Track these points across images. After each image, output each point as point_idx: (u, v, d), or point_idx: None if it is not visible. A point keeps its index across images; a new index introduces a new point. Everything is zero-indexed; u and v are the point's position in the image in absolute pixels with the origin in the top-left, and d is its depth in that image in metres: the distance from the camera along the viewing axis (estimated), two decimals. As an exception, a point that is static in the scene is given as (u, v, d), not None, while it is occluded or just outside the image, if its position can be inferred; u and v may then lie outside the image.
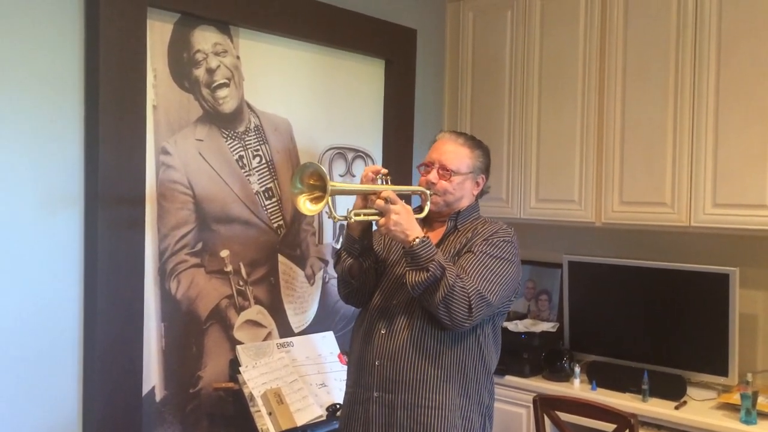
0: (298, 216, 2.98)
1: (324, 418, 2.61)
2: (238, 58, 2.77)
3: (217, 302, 2.73)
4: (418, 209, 2.23)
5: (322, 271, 3.12)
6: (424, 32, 3.56)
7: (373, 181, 2.10)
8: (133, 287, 2.43)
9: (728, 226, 2.78)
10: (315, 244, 3.09)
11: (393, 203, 1.98)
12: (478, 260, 2.06)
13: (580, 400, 2.71)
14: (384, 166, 3.32)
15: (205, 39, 2.67)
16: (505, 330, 3.16)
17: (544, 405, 2.71)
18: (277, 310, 2.94)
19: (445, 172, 2.19)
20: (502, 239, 2.13)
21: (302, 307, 3.04)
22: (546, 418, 2.71)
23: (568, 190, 3.23)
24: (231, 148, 2.77)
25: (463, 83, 3.63)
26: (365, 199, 2.08)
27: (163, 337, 2.57)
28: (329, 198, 1.90)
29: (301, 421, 2.53)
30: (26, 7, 2.21)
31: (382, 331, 2.13)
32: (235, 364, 2.68)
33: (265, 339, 2.87)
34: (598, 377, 3.06)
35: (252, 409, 2.52)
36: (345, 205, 2.49)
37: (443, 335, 2.08)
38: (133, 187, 2.43)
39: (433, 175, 2.20)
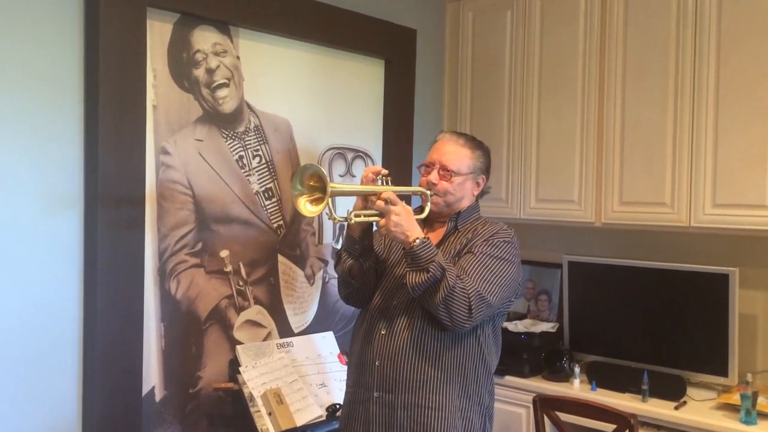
0: (297, 216, 2.97)
1: (324, 418, 2.61)
2: (237, 58, 2.77)
3: (217, 302, 2.73)
4: (419, 210, 2.23)
5: (321, 271, 3.12)
6: (424, 32, 3.56)
7: (374, 181, 2.10)
8: (133, 287, 2.43)
9: (728, 227, 2.78)
10: (315, 244, 3.09)
11: (393, 204, 1.98)
12: (478, 261, 2.06)
13: (580, 401, 2.71)
14: (384, 166, 3.33)
15: (205, 39, 2.67)
16: (504, 330, 3.16)
17: (544, 405, 2.71)
18: (276, 310, 2.94)
19: (446, 172, 2.19)
20: (502, 240, 2.13)
21: (302, 307, 3.04)
22: (546, 419, 2.71)
23: (567, 190, 3.23)
24: (231, 148, 2.77)
25: (462, 83, 3.63)
26: (365, 200, 2.08)
27: (163, 337, 2.57)
28: (329, 199, 1.90)
29: (300, 421, 2.53)
30: (26, 7, 2.21)
31: (383, 332, 2.13)
32: (234, 365, 2.68)
33: (264, 339, 2.87)
34: (598, 377, 3.06)
35: (252, 410, 2.52)
36: (345, 205, 2.48)
37: (443, 336, 2.08)
38: (132, 187, 2.42)
39: (433, 176, 2.20)
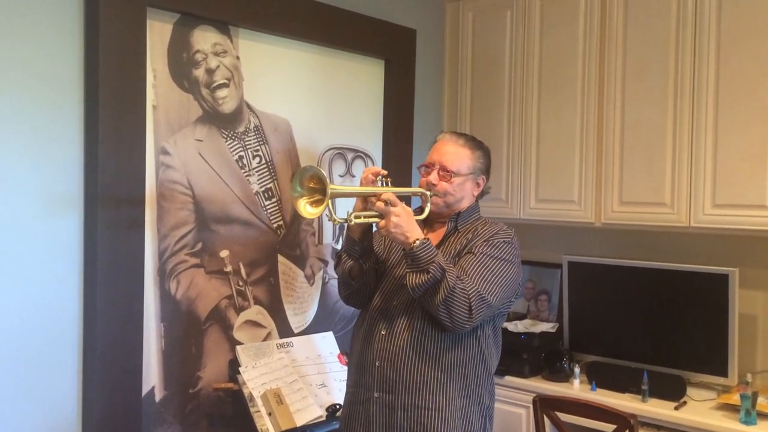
0: (297, 216, 2.97)
1: (324, 418, 2.61)
2: (237, 58, 2.77)
3: (217, 302, 2.73)
4: (419, 210, 2.23)
5: (321, 271, 3.12)
6: (424, 32, 3.56)
7: (373, 182, 2.09)
8: (133, 287, 2.43)
9: (728, 227, 2.78)
10: (315, 244, 3.09)
11: (393, 205, 1.98)
12: (478, 261, 2.06)
13: (580, 401, 2.71)
14: (384, 166, 3.33)
15: (205, 39, 2.67)
16: (504, 330, 3.15)
17: (544, 405, 2.71)
18: (276, 310, 2.94)
19: (446, 173, 2.19)
20: (502, 240, 2.13)
21: (302, 308, 3.04)
22: (546, 419, 2.71)
23: (567, 190, 3.23)
24: (231, 148, 2.76)
25: (462, 83, 3.63)
26: (365, 201, 2.08)
27: (163, 337, 2.57)
28: (329, 201, 1.90)
29: (300, 421, 2.53)
30: (26, 7, 2.21)
31: (383, 332, 2.13)
32: (234, 365, 2.68)
33: (264, 339, 2.87)
34: (598, 377, 3.06)
35: (252, 410, 2.52)
36: (345, 206, 2.48)
37: (443, 336, 2.08)
38: (132, 188, 2.42)
39: (433, 176, 2.19)
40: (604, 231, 3.30)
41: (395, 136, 3.39)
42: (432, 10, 3.65)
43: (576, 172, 3.20)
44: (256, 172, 2.85)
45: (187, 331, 2.64)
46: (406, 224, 1.97)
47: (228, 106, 2.75)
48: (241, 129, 2.80)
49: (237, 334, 2.78)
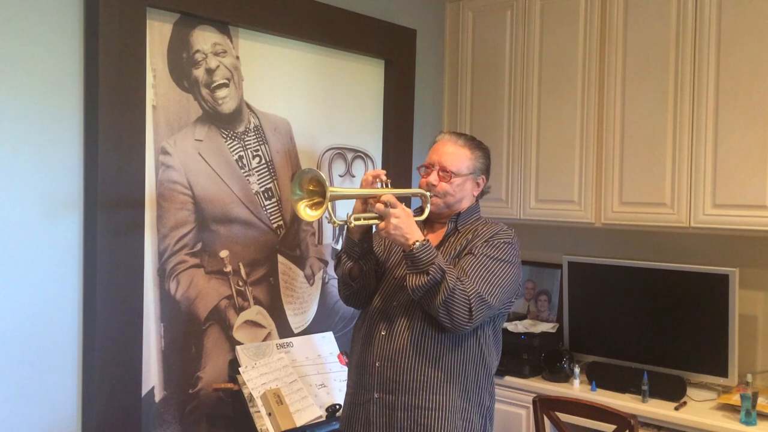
0: (297, 216, 2.96)
1: (324, 418, 2.61)
2: (237, 58, 2.77)
3: (217, 302, 2.73)
4: (419, 211, 2.23)
5: (321, 271, 3.12)
6: (424, 32, 3.55)
7: (373, 184, 2.09)
8: (133, 287, 2.43)
9: (728, 227, 2.78)
10: (314, 244, 3.09)
11: (393, 207, 1.98)
12: (478, 262, 2.06)
13: (580, 401, 2.70)
14: (383, 166, 3.33)
15: (205, 39, 2.67)
16: (504, 330, 3.16)
17: (544, 406, 2.71)
18: (276, 310, 2.94)
19: (446, 173, 2.19)
20: (502, 241, 2.13)
21: (302, 308, 3.04)
22: (546, 419, 2.71)
23: (567, 190, 3.23)
24: (230, 148, 2.76)
25: (462, 83, 3.63)
26: (365, 202, 2.08)
27: (163, 337, 2.57)
28: (329, 203, 1.90)
29: (300, 421, 2.53)
30: (26, 7, 2.21)
31: (383, 333, 2.13)
32: (234, 365, 2.68)
33: (264, 339, 2.87)
34: (598, 378, 3.06)
35: (251, 410, 2.52)
36: (345, 207, 2.48)
37: (444, 337, 2.08)
38: (132, 188, 2.42)
39: (433, 177, 2.19)
40: (604, 231, 3.30)
41: (395, 136, 3.39)
42: (432, 10, 3.64)
43: (576, 172, 3.20)
44: (256, 172, 2.85)
45: (187, 331, 2.64)
46: (405, 226, 1.97)
47: (228, 106, 2.75)
48: (241, 129, 2.80)
49: (237, 334, 2.78)
